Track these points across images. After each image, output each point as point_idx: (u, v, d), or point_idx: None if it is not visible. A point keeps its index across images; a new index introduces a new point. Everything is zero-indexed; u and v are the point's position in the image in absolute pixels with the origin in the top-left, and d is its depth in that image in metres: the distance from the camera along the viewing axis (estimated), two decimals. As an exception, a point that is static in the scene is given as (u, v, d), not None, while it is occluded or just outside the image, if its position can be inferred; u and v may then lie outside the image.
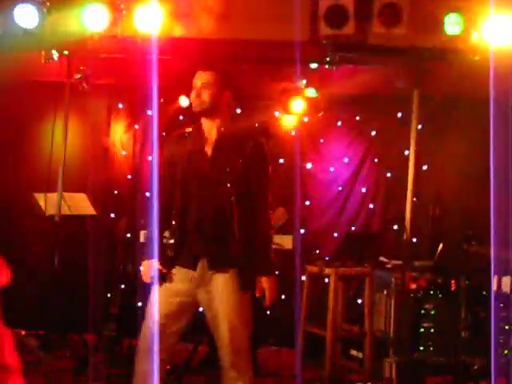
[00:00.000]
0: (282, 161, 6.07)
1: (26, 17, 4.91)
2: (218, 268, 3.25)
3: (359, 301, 5.58)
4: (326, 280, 5.29)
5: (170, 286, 3.31)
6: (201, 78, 3.35)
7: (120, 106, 6.24)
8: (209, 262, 3.26)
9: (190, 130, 3.43)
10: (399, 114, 6.22)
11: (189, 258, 3.30)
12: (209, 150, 3.35)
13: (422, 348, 5.26)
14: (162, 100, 5.50)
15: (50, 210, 5.21)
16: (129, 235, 5.81)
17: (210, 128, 3.37)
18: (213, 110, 3.33)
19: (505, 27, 4.85)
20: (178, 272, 3.33)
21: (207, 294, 3.27)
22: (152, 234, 3.30)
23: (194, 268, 3.28)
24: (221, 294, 3.24)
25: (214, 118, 3.35)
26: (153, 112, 3.88)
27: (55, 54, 5.19)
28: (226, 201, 3.24)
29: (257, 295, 3.27)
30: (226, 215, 3.24)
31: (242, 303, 3.24)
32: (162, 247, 3.34)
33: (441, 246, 5.53)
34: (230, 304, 3.23)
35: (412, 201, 5.79)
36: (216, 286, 3.25)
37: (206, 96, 3.31)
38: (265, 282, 3.25)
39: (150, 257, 3.30)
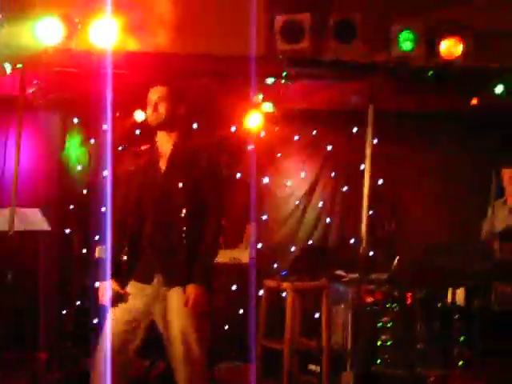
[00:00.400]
0: (238, 175, 6.05)
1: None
2: (172, 283, 3.25)
3: (317, 315, 5.58)
4: (284, 294, 5.29)
5: (126, 304, 3.30)
6: (156, 93, 3.37)
7: (75, 120, 6.16)
8: (163, 278, 3.25)
9: (146, 147, 3.44)
10: (355, 129, 6.28)
11: (144, 273, 3.28)
12: (163, 164, 3.36)
13: (379, 361, 5.27)
14: (117, 114, 5.46)
15: (2, 226, 5.10)
16: (84, 251, 5.72)
17: (166, 142, 3.38)
18: (169, 123, 3.34)
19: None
20: (134, 287, 3.29)
21: (161, 309, 3.26)
22: (106, 251, 3.27)
23: (148, 283, 3.26)
24: (175, 309, 3.23)
25: (170, 132, 3.37)
26: (108, 126, 3.85)
27: (8, 68, 5.11)
28: (178, 215, 3.24)
29: (184, 304, 3.22)
30: (178, 229, 3.24)
31: (195, 318, 3.20)
32: (119, 264, 3.31)
33: (397, 258, 5.57)
34: (183, 319, 3.22)
35: (368, 214, 5.85)
36: (170, 302, 3.25)
37: (162, 109, 3.33)
38: (188, 289, 3.21)
39: (105, 277, 3.26)
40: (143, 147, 3.47)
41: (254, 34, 4.68)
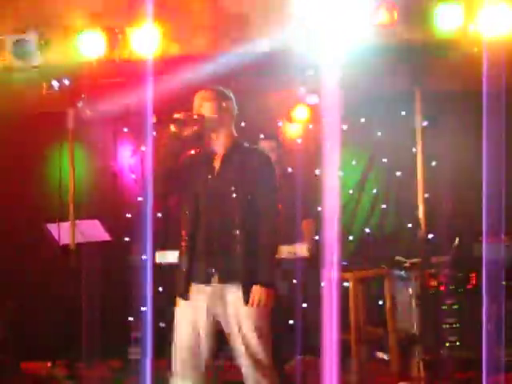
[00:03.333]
0: (290, 170, 6.04)
1: (25, 52, 4.95)
2: (228, 282, 3.26)
3: (380, 302, 5.52)
4: (346, 284, 5.25)
5: (189, 305, 3.31)
6: (202, 97, 3.39)
7: (125, 130, 6.24)
8: (219, 277, 3.27)
9: (198, 150, 3.46)
10: (403, 113, 6.18)
11: (201, 274, 3.30)
12: (217, 164, 3.37)
13: (447, 344, 5.19)
14: (172, 127, 5.47)
15: (64, 240, 5.22)
16: (145, 257, 5.78)
17: (217, 143, 3.40)
18: (217, 124, 3.35)
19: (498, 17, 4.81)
20: (194, 289, 3.32)
21: (222, 308, 3.28)
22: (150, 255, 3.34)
23: (207, 283, 3.28)
24: (233, 308, 3.25)
25: (219, 133, 3.38)
26: (148, 134, 3.89)
27: (56, 85, 5.22)
28: (233, 214, 3.26)
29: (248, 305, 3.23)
30: (232, 229, 3.25)
31: (253, 316, 3.22)
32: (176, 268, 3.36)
33: (457, 240, 5.47)
34: (240, 318, 3.23)
35: (424, 197, 5.76)
36: (228, 300, 3.26)
37: (206, 112, 3.34)
38: (254, 290, 3.21)
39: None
40: (193, 151, 3.47)
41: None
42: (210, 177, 3.35)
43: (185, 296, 3.30)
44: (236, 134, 3.43)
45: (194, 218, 3.32)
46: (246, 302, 3.21)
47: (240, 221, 3.24)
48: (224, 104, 3.36)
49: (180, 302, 3.34)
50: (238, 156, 3.34)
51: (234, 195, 3.26)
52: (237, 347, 3.26)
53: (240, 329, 3.22)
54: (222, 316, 3.29)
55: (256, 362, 3.22)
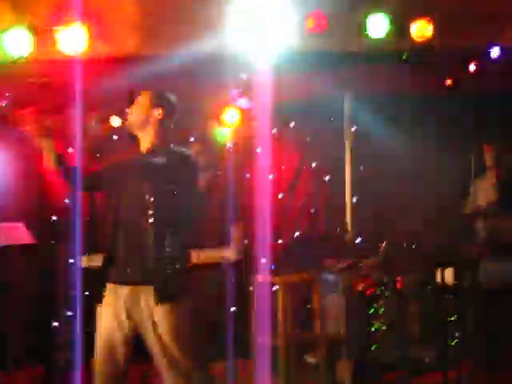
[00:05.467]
0: (219, 173, 6.02)
1: None
2: (143, 283, 3.26)
3: (309, 306, 5.56)
4: (274, 288, 5.26)
5: (107, 309, 3.30)
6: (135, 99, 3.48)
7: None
8: (135, 278, 3.27)
9: (126, 151, 3.56)
10: (332, 118, 6.27)
11: (118, 274, 3.30)
12: (138, 164, 3.40)
13: (374, 347, 5.27)
14: (93, 122, 5.39)
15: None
16: (71, 261, 5.67)
17: (142, 144, 3.45)
18: (143, 127, 3.42)
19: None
20: (112, 290, 3.31)
21: (139, 314, 3.27)
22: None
23: (123, 284, 3.29)
24: (147, 309, 3.24)
25: (145, 136, 3.44)
26: (78, 135, 3.85)
27: (-20, 83, 5.04)
28: (150, 214, 3.26)
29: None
30: (148, 229, 3.26)
31: (168, 317, 3.22)
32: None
33: (384, 243, 5.57)
34: (155, 319, 3.24)
35: (352, 202, 5.86)
36: (144, 302, 3.25)
37: (136, 115, 3.44)
38: (160, 309, 3.23)
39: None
40: (122, 153, 3.49)
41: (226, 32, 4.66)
42: (130, 177, 3.37)
43: (101, 297, 3.31)
44: (163, 136, 3.44)
45: (116, 218, 3.33)
46: (159, 302, 3.21)
47: (156, 221, 3.25)
48: (153, 107, 3.41)
49: (100, 307, 3.34)
50: (159, 157, 3.35)
51: (152, 195, 3.27)
52: (154, 350, 3.26)
53: (155, 330, 3.23)
54: (139, 318, 3.27)
55: (173, 363, 3.23)
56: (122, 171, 3.39)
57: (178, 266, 3.27)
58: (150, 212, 3.25)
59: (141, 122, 3.41)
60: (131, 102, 3.48)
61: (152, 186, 3.28)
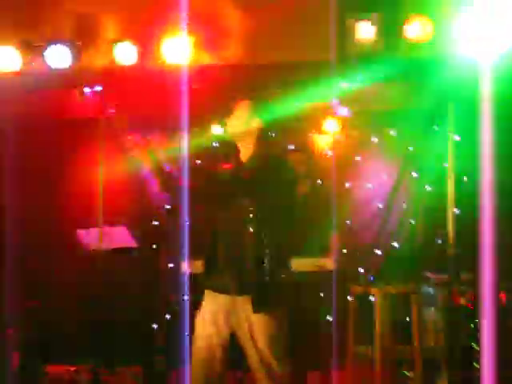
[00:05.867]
0: (319, 181, 6.00)
1: (57, 57, 5.01)
2: (243, 293, 3.28)
3: (407, 319, 5.45)
4: (372, 299, 5.22)
5: (206, 316, 3.34)
6: (236, 108, 3.48)
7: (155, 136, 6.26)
8: (235, 287, 3.29)
9: (229, 165, 3.53)
10: (435, 127, 6.12)
11: (218, 283, 3.33)
12: (240, 174, 3.42)
13: (475, 364, 5.10)
14: (195, 129, 5.50)
15: (93, 245, 5.25)
16: (171, 265, 5.80)
17: (244, 154, 3.44)
18: (242, 137, 3.43)
19: None
20: (209, 297, 3.36)
21: (238, 321, 3.30)
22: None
23: (223, 293, 3.31)
24: (246, 319, 3.26)
25: (244, 145, 3.45)
26: (183, 142, 3.92)
27: (88, 91, 5.26)
28: (250, 223, 3.29)
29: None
30: (249, 240, 3.29)
31: (268, 327, 3.25)
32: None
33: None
34: (253, 329, 3.25)
35: (454, 212, 5.69)
36: (243, 311, 3.27)
37: (234, 123, 3.44)
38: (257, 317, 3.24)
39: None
40: (225, 165, 3.51)
41: (329, 39, 4.65)
42: (230, 189, 3.40)
43: (199, 303, 3.35)
44: (263, 146, 3.45)
45: (215, 229, 3.38)
46: (256, 311, 3.23)
47: (256, 232, 3.27)
48: (254, 116, 3.42)
49: (198, 312, 3.39)
50: (259, 167, 3.37)
51: (251, 207, 3.30)
52: (250, 358, 3.29)
53: (253, 339, 3.25)
54: (237, 327, 3.31)
55: (269, 373, 3.24)
56: (222, 183, 3.43)
57: (275, 276, 3.28)
58: (250, 223, 3.28)
59: (240, 132, 3.43)
60: (231, 112, 3.50)
61: (252, 199, 3.31)
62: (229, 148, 3.52)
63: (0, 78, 5.20)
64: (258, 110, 3.45)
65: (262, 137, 3.44)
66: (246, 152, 3.45)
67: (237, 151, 3.49)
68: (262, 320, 3.23)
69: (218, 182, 3.45)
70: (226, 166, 3.54)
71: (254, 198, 3.31)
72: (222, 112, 3.52)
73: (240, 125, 3.42)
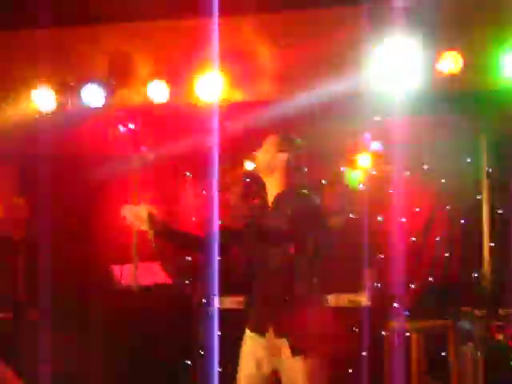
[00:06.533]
0: (351, 216, 5.98)
1: (92, 96, 5.11)
2: (283, 335, 3.20)
3: (443, 353, 5.36)
4: (408, 334, 5.17)
5: (248, 356, 3.30)
6: (264, 142, 3.46)
7: (188, 174, 6.33)
8: (274, 329, 3.22)
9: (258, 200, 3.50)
10: (468, 160, 6.08)
11: (257, 323, 3.28)
12: (267, 212, 3.38)
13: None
14: (227, 165, 5.54)
15: (127, 281, 5.28)
16: (204, 301, 5.79)
17: (272, 191, 3.41)
18: (270, 172, 3.39)
19: None
20: (250, 338, 3.31)
21: (279, 363, 3.23)
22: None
23: (262, 334, 3.25)
24: (286, 361, 3.19)
25: (272, 181, 3.41)
26: (212, 178, 3.92)
27: (121, 128, 5.35)
28: (283, 261, 3.24)
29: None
30: (284, 276, 3.23)
31: (305, 370, 3.15)
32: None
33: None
34: (293, 372, 3.18)
35: (489, 246, 5.62)
36: (283, 353, 3.20)
37: (261, 158, 3.41)
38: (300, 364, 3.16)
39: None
40: (255, 202, 3.50)
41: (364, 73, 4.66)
42: (263, 223, 3.35)
43: (239, 341, 3.31)
44: (291, 180, 3.40)
45: (249, 269, 3.34)
46: (294, 354, 3.16)
47: (286, 274, 3.21)
48: (278, 151, 3.37)
49: (241, 351, 3.34)
50: (286, 203, 3.31)
51: (283, 239, 3.23)
52: None
53: (293, 382, 3.19)
54: (279, 368, 3.25)
55: None
56: (252, 226, 3.36)
57: (312, 317, 3.17)
58: (288, 266, 3.22)
59: (267, 167, 3.38)
60: (259, 146, 3.46)
61: (281, 235, 3.21)
62: (257, 183, 3.50)
63: (38, 118, 5.31)
64: (286, 143, 3.41)
65: (289, 170, 3.39)
66: (273, 187, 3.40)
67: (263, 186, 3.45)
68: (301, 363, 3.15)
69: (248, 225, 3.39)
70: (254, 201, 3.52)
71: (280, 234, 3.22)
72: (252, 147, 3.50)
73: (267, 159, 3.38)
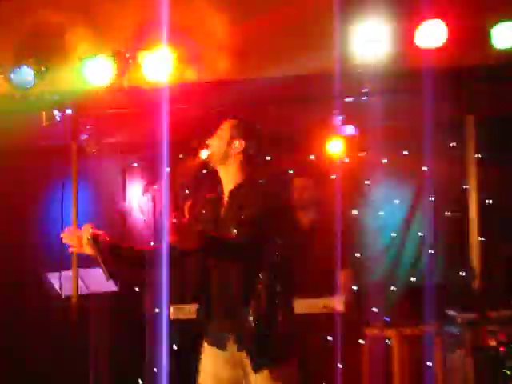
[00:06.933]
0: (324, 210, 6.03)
1: (23, 78, 5.07)
2: (240, 350, 3.22)
3: (429, 363, 5.46)
4: (388, 342, 5.27)
5: (207, 374, 3.32)
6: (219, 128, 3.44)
7: (135, 165, 6.35)
8: (235, 342, 3.25)
9: (213, 195, 3.47)
10: (453, 144, 6.18)
11: (217, 337, 3.29)
12: (223, 206, 3.36)
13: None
14: (181, 155, 5.55)
15: (67, 291, 5.26)
16: (157, 310, 5.81)
17: (227, 183, 3.40)
18: (224, 161, 3.37)
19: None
20: (211, 354, 3.32)
21: (242, 378, 3.25)
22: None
23: (223, 348, 3.28)
24: (250, 376, 3.21)
25: (226, 172, 3.39)
26: (163, 171, 3.91)
27: (57, 114, 5.31)
28: (240, 271, 3.22)
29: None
30: (241, 287, 3.23)
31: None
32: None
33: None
34: None
35: (479, 241, 5.72)
36: (246, 368, 3.22)
37: (215, 146, 3.38)
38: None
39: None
40: (209, 195, 3.48)
41: (335, 48, 4.73)
42: (215, 222, 3.33)
43: (196, 353, 3.33)
44: (248, 172, 3.38)
45: (206, 270, 3.30)
46: (256, 370, 3.18)
47: (249, 277, 3.20)
48: (235, 138, 3.35)
49: (200, 370, 3.35)
50: (245, 195, 3.30)
51: (239, 240, 3.20)
52: None
53: None
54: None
55: None
56: (206, 225, 3.31)
57: (276, 327, 3.20)
58: (242, 268, 3.20)
59: (221, 156, 3.35)
60: (213, 133, 3.42)
61: (241, 240, 3.20)
62: (211, 175, 3.47)
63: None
64: (244, 129, 3.39)
65: (248, 161, 3.37)
66: (228, 179, 3.38)
67: (217, 178, 3.43)
68: (267, 378, 3.15)
69: (202, 224, 3.33)
70: (210, 195, 3.47)
71: (243, 242, 3.20)
72: (206, 134, 3.49)
73: (222, 146, 3.35)
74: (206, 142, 3.41)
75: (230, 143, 3.35)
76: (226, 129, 3.39)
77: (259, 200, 3.26)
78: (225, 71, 5.04)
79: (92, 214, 6.16)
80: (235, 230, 3.21)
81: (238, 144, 3.35)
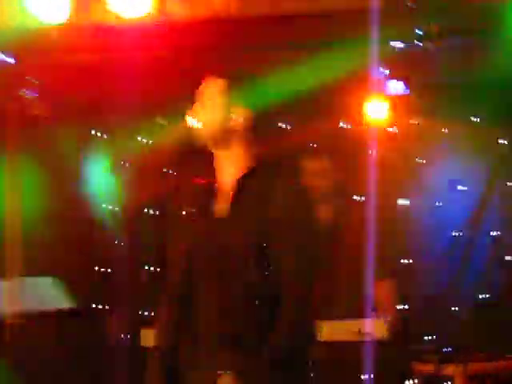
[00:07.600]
0: (357, 198, 6.04)
1: None
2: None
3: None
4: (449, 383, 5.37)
5: None
6: (205, 92, 3.35)
7: (98, 134, 6.35)
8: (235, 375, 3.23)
9: (204, 180, 3.43)
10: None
11: (206, 363, 3.29)
12: (224, 203, 3.33)
13: None
14: (160, 121, 5.54)
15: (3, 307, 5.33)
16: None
17: (229, 167, 3.36)
18: (220, 143, 3.33)
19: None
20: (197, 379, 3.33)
21: None
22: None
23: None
24: None
25: (223, 154, 3.36)
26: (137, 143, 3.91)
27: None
28: (242, 281, 3.22)
29: None
30: (243, 305, 3.24)
31: None
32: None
33: None
34: None
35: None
36: None
37: (204, 119, 3.32)
38: None
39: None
40: (200, 182, 3.44)
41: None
42: (209, 222, 3.33)
43: None
44: (258, 150, 3.36)
45: (188, 284, 3.34)
46: None
47: (249, 291, 3.21)
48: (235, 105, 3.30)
49: None
50: (256, 190, 3.27)
51: (246, 251, 3.22)
52: None
53: None
54: None
55: None
56: (198, 214, 3.36)
57: (296, 353, 3.22)
58: (240, 276, 3.22)
59: (213, 132, 3.31)
60: (199, 95, 3.33)
61: (247, 238, 3.22)
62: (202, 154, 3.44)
63: None
64: (245, 90, 3.34)
65: (251, 135, 3.33)
66: (227, 163, 3.35)
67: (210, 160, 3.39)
68: None
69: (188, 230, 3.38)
70: (201, 181, 3.43)
71: (244, 237, 3.22)
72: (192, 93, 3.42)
73: (217, 118, 3.30)
74: (191, 114, 3.30)
75: (227, 110, 3.30)
76: (216, 93, 3.31)
77: (280, 194, 3.23)
78: (223, 5, 5.04)
79: (41, 202, 6.14)
80: (244, 239, 3.21)
81: (239, 112, 3.29)
